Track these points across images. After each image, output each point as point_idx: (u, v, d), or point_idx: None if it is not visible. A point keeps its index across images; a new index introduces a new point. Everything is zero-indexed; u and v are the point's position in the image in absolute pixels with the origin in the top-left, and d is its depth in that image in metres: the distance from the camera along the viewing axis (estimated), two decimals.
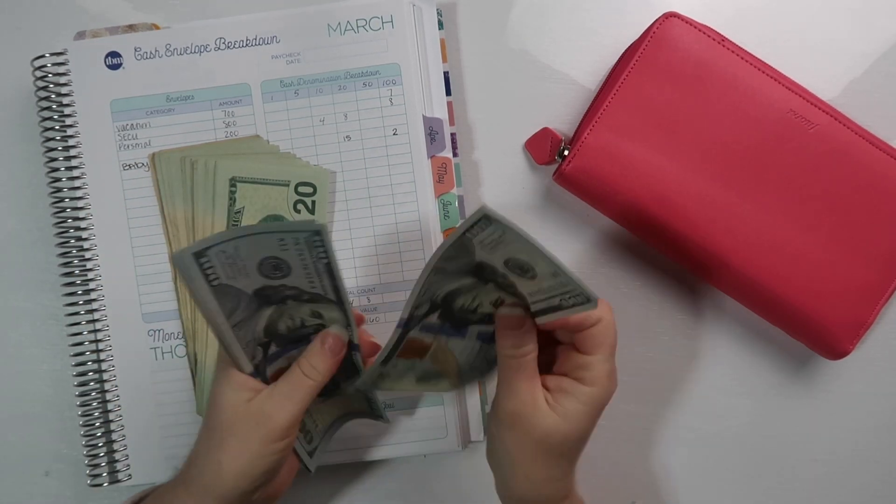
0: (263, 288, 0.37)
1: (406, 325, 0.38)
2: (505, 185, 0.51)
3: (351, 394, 0.44)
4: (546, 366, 0.39)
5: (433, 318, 0.39)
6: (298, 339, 0.40)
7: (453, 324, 0.40)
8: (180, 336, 0.48)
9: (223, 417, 0.37)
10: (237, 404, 0.37)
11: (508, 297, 0.38)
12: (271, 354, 0.40)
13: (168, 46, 0.48)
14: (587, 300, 0.33)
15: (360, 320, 0.42)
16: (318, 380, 0.39)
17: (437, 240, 0.48)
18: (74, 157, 0.48)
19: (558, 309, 0.35)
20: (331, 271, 0.36)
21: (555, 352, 0.40)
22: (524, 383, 0.37)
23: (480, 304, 0.39)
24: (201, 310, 0.35)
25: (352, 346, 0.40)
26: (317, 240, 0.34)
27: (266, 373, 0.39)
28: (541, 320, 0.37)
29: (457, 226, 0.48)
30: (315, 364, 0.39)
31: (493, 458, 0.41)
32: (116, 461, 0.48)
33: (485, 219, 0.31)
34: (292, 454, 0.42)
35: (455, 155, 0.49)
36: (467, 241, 0.33)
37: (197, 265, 0.32)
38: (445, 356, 0.41)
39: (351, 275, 0.48)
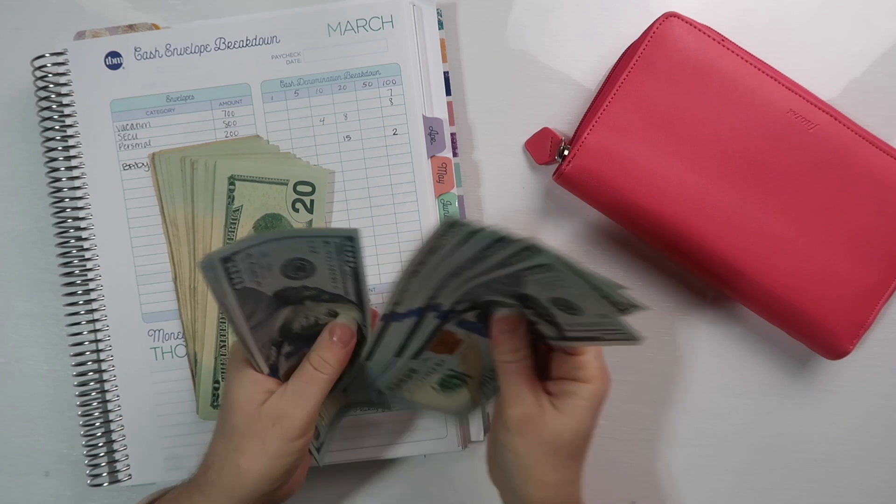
0: (284, 289, 0.37)
1: (427, 313, 0.38)
2: (505, 185, 0.51)
3: (347, 384, 0.44)
4: (539, 372, 0.39)
5: (470, 316, 0.39)
6: (312, 337, 0.40)
7: (487, 326, 0.40)
8: (180, 336, 0.48)
9: (239, 419, 0.37)
10: (253, 405, 0.37)
11: (543, 323, 0.37)
12: (285, 353, 0.40)
13: (168, 46, 0.48)
14: (631, 338, 0.33)
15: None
16: (330, 373, 0.38)
17: None
18: (74, 157, 0.48)
19: (597, 340, 0.36)
20: (357, 275, 0.36)
21: (545, 357, 0.40)
22: (527, 387, 0.37)
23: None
24: (224, 311, 0.35)
25: (364, 342, 0.40)
26: (348, 245, 0.34)
27: (279, 372, 0.39)
28: (571, 344, 0.38)
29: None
30: (325, 357, 0.38)
31: (500, 471, 0.40)
32: (116, 461, 0.48)
33: (547, 266, 0.31)
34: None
35: (455, 155, 0.49)
36: (520, 274, 0.33)
37: (223, 269, 0.33)
38: (474, 355, 0.41)
39: None
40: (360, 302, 0.38)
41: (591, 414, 0.38)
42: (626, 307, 0.31)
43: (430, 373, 0.42)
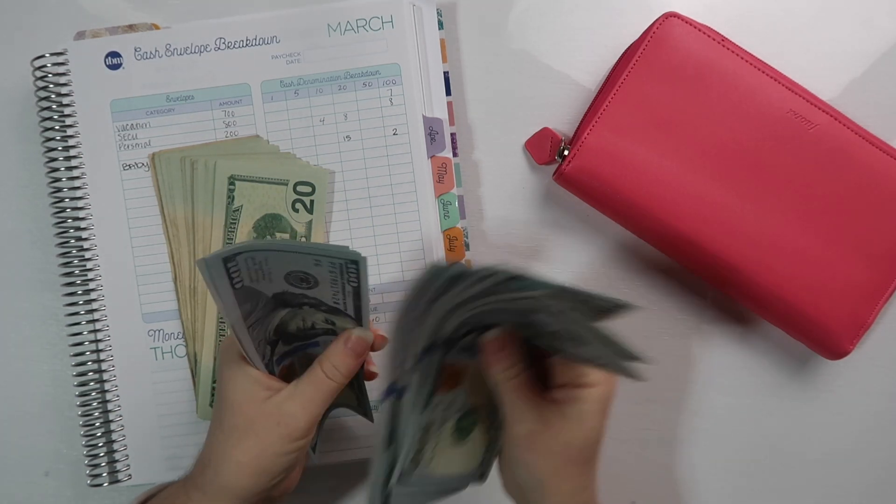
0: (283, 293, 0.37)
1: (429, 353, 0.37)
2: (505, 185, 0.51)
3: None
4: (541, 381, 0.39)
5: (468, 341, 0.38)
6: (306, 338, 0.40)
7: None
8: (180, 336, 0.48)
9: (239, 417, 0.37)
10: (254, 402, 0.37)
11: (545, 345, 0.37)
12: (281, 353, 0.40)
13: (168, 46, 0.48)
14: (627, 373, 0.33)
15: (382, 341, 0.40)
16: (340, 381, 0.38)
17: (437, 240, 0.48)
18: (74, 157, 0.48)
19: (596, 365, 0.35)
20: (358, 295, 0.36)
21: (546, 365, 0.39)
22: (528, 402, 0.37)
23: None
24: (221, 310, 0.35)
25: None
26: (353, 267, 0.34)
27: (275, 370, 0.39)
28: (570, 362, 0.37)
29: (456, 226, 0.48)
30: (337, 365, 0.38)
31: (515, 486, 0.40)
32: (116, 461, 0.48)
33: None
34: None
35: (455, 155, 0.49)
36: (531, 307, 0.32)
37: (224, 269, 0.33)
38: (481, 382, 0.40)
39: None
40: (358, 318, 0.38)
41: (599, 417, 0.37)
42: (627, 354, 0.31)
43: (445, 422, 0.40)
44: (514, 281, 0.31)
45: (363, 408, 0.45)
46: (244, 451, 0.37)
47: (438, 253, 0.48)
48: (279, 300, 0.37)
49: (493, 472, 0.42)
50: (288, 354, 0.40)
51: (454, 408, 0.40)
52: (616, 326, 0.52)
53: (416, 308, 0.34)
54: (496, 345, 0.37)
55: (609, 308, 0.32)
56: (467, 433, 0.41)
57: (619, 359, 0.32)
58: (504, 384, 0.37)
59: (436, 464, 0.40)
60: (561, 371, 0.38)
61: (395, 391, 0.37)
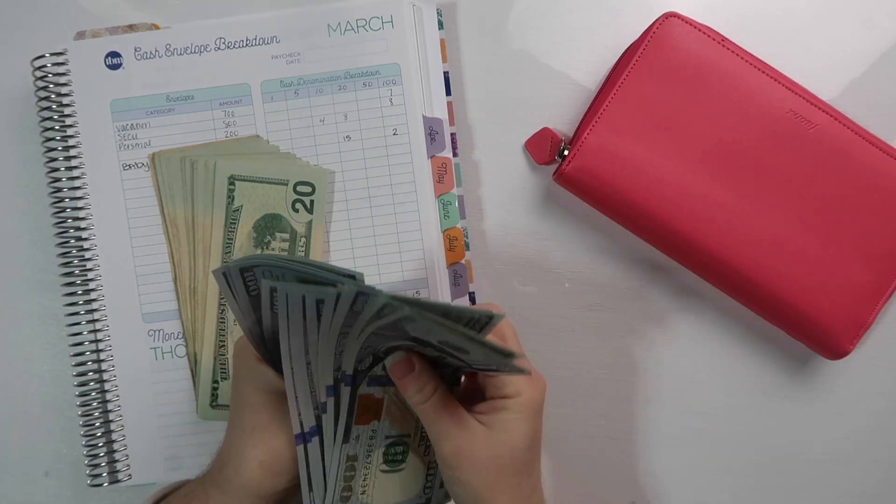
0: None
1: (339, 385, 0.36)
2: (505, 185, 0.51)
3: None
4: (476, 397, 0.39)
5: (378, 370, 0.38)
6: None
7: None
8: (180, 336, 0.48)
9: (259, 416, 0.37)
10: (274, 402, 0.37)
11: (448, 357, 0.36)
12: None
13: (168, 46, 0.48)
14: (519, 370, 0.33)
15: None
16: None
17: (437, 240, 0.48)
18: (74, 157, 0.48)
19: (496, 371, 0.36)
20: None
21: (475, 383, 0.39)
22: (449, 420, 0.36)
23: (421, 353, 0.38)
24: (236, 315, 0.36)
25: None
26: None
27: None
28: (481, 373, 0.37)
29: (456, 226, 0.48)
30: None
31: None
32: (116, 461, 0.48)
33: (408, 317, 0.30)
34: None
35: (455, 155, 0.49)
36: (398, 324, 0.32)
37: (241, 276, 0.33)
38: (400, 408, 0.40)
39: None
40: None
41: (526, 425, 0.37)
42: (504, 352, 0.31)
43: (370, 452, 0.39)
44: (363, 297, 0.30)
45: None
46: (265, 451, 0.37)
47: (439, 253, 0.48)
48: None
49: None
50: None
51: (379, 438, 0.39)
52: (616, 326, 0.53)
53: (300, 353, 0.34)
54: (402, 368, 0.36)
55: (473, 321, 0.32)
56: (399, 461, 0.40)
57: (502, 358, 0.32)
58: (421, 406, 0.36)
59: (370, 495, 0.40)
60: (487, 385, 0.38)
61: (303, 437, 0.37)
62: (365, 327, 0.33)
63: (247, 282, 0.34)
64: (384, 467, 0.40)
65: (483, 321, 0.33)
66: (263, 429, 0.37)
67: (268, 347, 0.37)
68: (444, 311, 0.31)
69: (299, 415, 0.36)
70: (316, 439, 0.37)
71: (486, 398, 0.38)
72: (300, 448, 0.37)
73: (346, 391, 0.37)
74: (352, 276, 0.32)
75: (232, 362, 0.45)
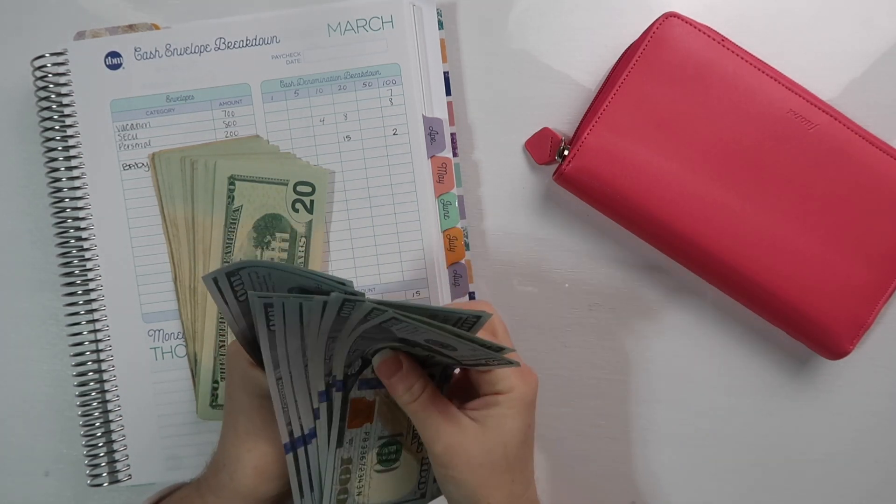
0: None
1: (330, 390, 0.36)
2: (505, 185, 0.51)
3: None
4: (468, 396, 0.39)
5: (368, 373, 0.38)
6: None
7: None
8: (180, 336, 0.48)
9: (254, 421, 0.37)
10: (265, 407, 0.37)
11: (437, 355, 0.37)
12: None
13: (168, 46, 0.48)
14: (508, 363, 0.33)
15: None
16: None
17: (437, 240, 0.48)
18: (74, 157, 0.48)
19: (485, 366, 0.36)
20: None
21: (469, 380, 0.39)
22: (439, 418, 0.36)
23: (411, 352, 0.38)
24: (228, 321, 0.35)
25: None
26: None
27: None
28: (472, 370, 0.37)
29: (456, 226, 0.48)
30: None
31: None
32: (116, 461, 0.48)
33: (393, 319, 0.30)
34: None
35: (455, 155, 0.49)
36: (384, 326, 0.32)
37: (228, 281, 0.33)
38: (391, 410, 0.39)
39: (351, 275, 0.48)
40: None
41: (518, 421, 0.37)
42: (492, 347, 0.31)
43: (364, 454, 0.39)
44: (349, 304, 0.31)
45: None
46: (259, 456, 0.37)
47: (438, 253, 0.48)
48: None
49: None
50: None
51: (372, 439, 0.39)
52: (616, 326, 0.53)
53: (297, 356, 0.34)
54: (389, 367, 0.36)
55: (461, 321, 0.32)
56: (394, 460, 0.40)
57: (491, 353, 0.32)
58: (410, 405, 0.36)
59: (366, 496, 0.40)
60: (480, 383, 0.38)
61: (291, 445, 0.37)
62: (352, 331, 0.33)
63: (234, 286, 0.33)
64: (379, 467, 0.40)
65: (471, 321, 0.33)
66: (258, 434, 0.37)
67: (260, 352, 0.37)
68: (432, 314, 0.31)
69: (289, 423, 0.36)
70: (312, 444, 0.37)
71: (479, 395, 0.38)
72: (289, 456, 0.37)
73: (337, 396, 0.37)
74: (341, 283, 0.32)
75: (226, 366, 0.45)
